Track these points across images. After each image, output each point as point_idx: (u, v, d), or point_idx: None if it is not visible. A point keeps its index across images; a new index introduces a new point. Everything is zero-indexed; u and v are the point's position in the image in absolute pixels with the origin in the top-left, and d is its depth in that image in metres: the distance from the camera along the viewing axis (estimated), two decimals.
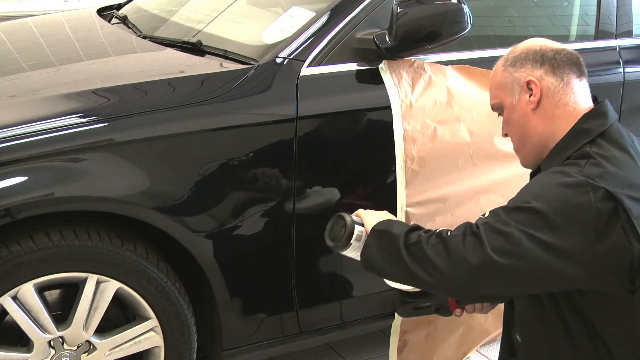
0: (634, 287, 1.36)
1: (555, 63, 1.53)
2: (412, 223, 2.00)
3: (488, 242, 1.35)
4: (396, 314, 2.04)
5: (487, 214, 1.43)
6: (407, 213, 2.01)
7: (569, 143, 1.50)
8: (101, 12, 2.83)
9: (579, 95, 1.54)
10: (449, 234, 1.43)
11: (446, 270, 1.38)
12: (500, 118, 2.09)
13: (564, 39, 2.44)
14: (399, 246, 1.45)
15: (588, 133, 1.48)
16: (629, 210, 1.34)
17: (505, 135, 1.64)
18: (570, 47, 2.39)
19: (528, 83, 1.53)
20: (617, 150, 1.44)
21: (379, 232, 1.51)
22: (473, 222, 1.43)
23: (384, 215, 1.60)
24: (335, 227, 1.60)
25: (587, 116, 1.51)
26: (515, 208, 1.39)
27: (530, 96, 1.53)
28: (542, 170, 1.54)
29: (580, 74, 1.56)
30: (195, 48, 2.09)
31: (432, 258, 1.39)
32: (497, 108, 1.63)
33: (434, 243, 1.41)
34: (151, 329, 1.86)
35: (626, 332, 1.40)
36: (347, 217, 1.58)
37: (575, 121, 1.51)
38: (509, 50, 1.61)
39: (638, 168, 1.43)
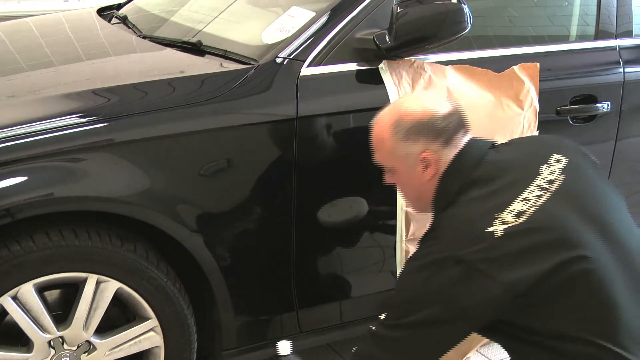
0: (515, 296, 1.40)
1: (447, 134, 1.56)
2: (412, 224, 2.01)
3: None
4: None
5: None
6: (407, 213, 2.01)
7: (438, 206, 1.58)
8: (101, 12, 2.83)
9: (467, 150, 1.59)
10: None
11: None
12: (499, 117, 2.10)
13: (564, 39, 2.44)
14: None
15: (447, 194, 1.54)
16: (475, 262, 1.39)
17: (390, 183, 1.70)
18: (570, 47, 2.42)
19: (424, 158, 1.56)
20: (475, 194, 1.49)
21: None
22: None
23: None
24: None
25: (444, 176, 1.57)
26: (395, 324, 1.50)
27: (425, 168, 1.57)
28: None
29: (466, 131, 1.61)
30: (195, 48, 2.09)
31: None
32: (387, 169, 1.67)
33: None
34: (151, 329, 1.86)
35: (553, 326, 1.43)
36: None
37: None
38: (393, 113, 1.61)
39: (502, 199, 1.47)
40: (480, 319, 1.45)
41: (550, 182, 1.49)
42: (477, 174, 1.53)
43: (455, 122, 1.57)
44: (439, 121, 1.55)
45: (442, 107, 1.59)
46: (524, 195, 1.46)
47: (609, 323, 1.40)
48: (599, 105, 2.32)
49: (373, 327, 1.55)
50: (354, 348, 1.61)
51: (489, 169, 1.54)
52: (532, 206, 1.44)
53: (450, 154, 1.56)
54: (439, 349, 1.50)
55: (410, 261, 1.52)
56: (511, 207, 1.44)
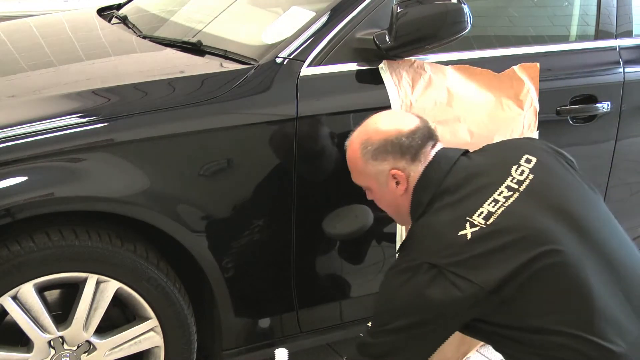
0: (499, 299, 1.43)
1: (414, 150, 1.62)
2: None
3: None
4: None
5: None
6: None
7: (413, 218, 1.63)
8: (101, 12, 2.83)
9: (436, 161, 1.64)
10: None
11: None
12: (499, 117, 2.10)
13: (564, 39, 2.44)
14: None
15: (420, 205, 1.60)
16: (447, 266, 1.43)
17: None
18: (570, 47, 2.41)
19: (394, 175, 1.63)
20: (446, 201, 1.54)
21: None
22: None
23: None
24: None
25: (416, 189, 1.63)
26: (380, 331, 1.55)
27: (397, 184, 1.64)
28: None
29: (434, 143, 1.66)
30: (195, 48, 2.09)
31: None
32: (364, 188, 1.74)
33: None
34: (151, 329, 1.86)
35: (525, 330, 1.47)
36: None
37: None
38: (362, 134, 1.68)
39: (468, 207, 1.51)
40: (458, 320, 1.48)
41: (519, 182, 1.53)
42: (447, 183, 1.58)
43: (421, 137, 1.63)
44: (404, 139, 1.62)
45: (407, 124, 1.64)
46: (494, 196, 1.50)
47: (585, 313, 1.42)
48: (599, 105, 2.32)
49: (362, 334, 1.59)
50: (344, 358, 1.64)
51: (459, 176, 1.58)
52: (501, 207, 1.48)
53: (419, 168, 1.62)
54: (423, 351, 1.53)
55: (389, 270, 1.58)
56: (481, 210, 1.48)
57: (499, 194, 1.51)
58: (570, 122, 2.30)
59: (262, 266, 1.97)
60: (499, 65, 2.14)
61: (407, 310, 1.48)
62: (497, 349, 1.58)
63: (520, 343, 1.47)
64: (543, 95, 2.16)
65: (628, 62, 2.40)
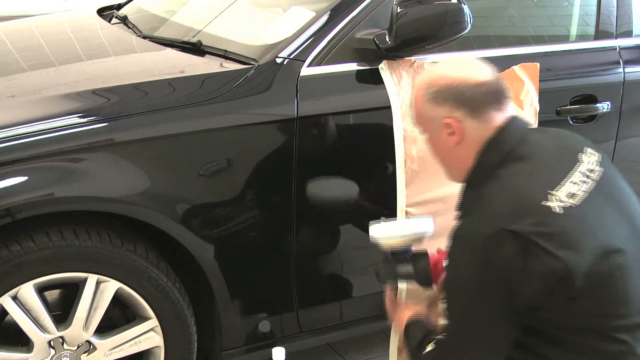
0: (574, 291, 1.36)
1: (475, 103, 1.52)
2: None
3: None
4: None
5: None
6: (407, 213, 2.01)
7: (475, 179, 1.53)
8: (101, 12, 2.83)
9: (510, 126, 1.55)
10: None
11: None
12: None
13: (564, 39, 2.44)
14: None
15: (485, 166, 1.51)
16: (532, 235, 1.34)
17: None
18: (570, 47, 2.41)
19: (447, 124, 1.53)
20: (521, 168, 1.46)
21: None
22: None
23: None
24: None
25: (485, 149, 1.53)
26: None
27: (450, 133, 1.54)
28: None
29: (499, 106, 1.54)
30: (195, 48, 2.09)
31: None
32: (421, 132, 1.65)
33: None
34: (151, 329, 1.86)
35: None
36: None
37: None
38: (429, 75, 1.60)
39: (544, 179, 1.43)
40: (530, 303, 1.38)
41: (591, 171, 1.48)
42: (521, 151, 1.49)
43: (486, 93, 1.52)
44: (466, 89, 1.52)
45: (475, 76, 1.54)
46: (572, 178, 1.44)
47: (631, 318, 1.39)
48: (599, 105, 2.32)
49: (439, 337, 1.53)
50: None
51: (532, 147, 1.50)
52: (581, 191, 1.42)
53: (479, 125, 1.52)
54: (500, 343, 1.45)
55: (458, 239, 1.46)
56: (564, 187, 1.41)
57: (576, 177, 1.45)
58: (570, 122, 2.30)
59: (262, 266, 1.97)
60: (499, 65, 2.13)
61: (488, 291, 1.38)
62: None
63: (548, 342, 1.42)
64: (543, 95, 2.16)
65: (628, 62, 2.40)
